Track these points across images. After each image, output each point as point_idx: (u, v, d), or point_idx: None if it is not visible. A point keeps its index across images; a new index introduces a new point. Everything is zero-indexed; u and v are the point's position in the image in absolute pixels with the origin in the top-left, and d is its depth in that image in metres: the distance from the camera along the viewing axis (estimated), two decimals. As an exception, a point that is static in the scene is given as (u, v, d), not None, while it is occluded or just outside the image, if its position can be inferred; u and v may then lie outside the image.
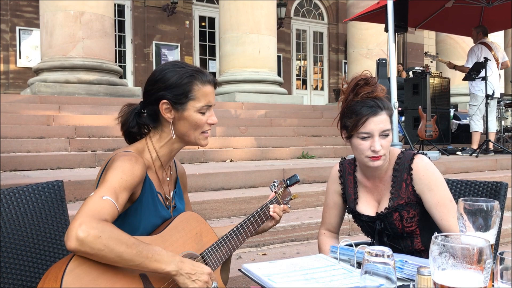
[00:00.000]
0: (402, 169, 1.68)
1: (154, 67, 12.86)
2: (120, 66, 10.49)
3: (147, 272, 1.29)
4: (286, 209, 1.81)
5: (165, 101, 1.47)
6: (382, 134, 1.59)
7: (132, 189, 1.38)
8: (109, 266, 1.23)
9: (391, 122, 1.64)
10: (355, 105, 1.60)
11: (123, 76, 10.28)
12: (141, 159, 1.44)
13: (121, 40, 12.61)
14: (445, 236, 0.89)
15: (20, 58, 11.44)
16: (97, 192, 1.31)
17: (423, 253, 1.69)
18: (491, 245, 1.08)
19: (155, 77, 1.51)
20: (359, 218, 1.78)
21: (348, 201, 1.81)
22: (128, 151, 1.46)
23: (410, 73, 10.81)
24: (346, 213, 1.90)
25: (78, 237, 1.16)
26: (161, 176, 1.55)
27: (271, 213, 1.74)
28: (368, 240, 1.90)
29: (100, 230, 1.19)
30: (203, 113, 1.50)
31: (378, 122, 1.58)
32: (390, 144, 1.65)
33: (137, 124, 1.55)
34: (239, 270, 1.41)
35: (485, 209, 1.10)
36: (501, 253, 0.99)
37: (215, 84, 1.55)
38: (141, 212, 1.45)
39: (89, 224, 1.18)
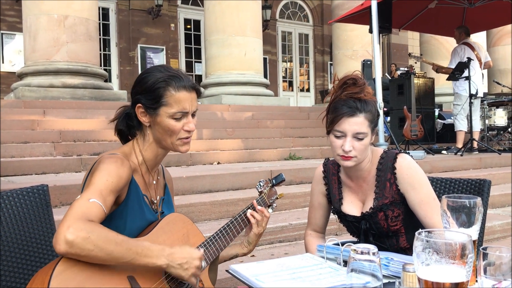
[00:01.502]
0: (386, 169, 1.69)
1: (139, 71, 12.85)
2: (105, 69, 10.42)
3: (138, 267, 1.29)
4: (265, 213, 1.74)
5: (140, 105, 1.48)
6: (355, 136, 1.60)
7: (118, 191, 1.38)
8: (96, 269, 1.22)
9: (373, 127, 1.64)
10: (338, 102, 1.62)
11: (108, 79, 10.20)
12: (127, 161, 1.44)
13: (105, 44, 12.53)
14: (428, 232, 0.91)
15: (3, 62, 11.30)
16: (83, 195, 1.31)
17: (409, 251, 1.71)
18: (474, 241, 1.10)
19: (137, 80, 1.52)
20: (344, 218, 1.79)
21: (333, 201, 1.82)
22: (114, 153, 1.46)
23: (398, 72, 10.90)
24: (332, 213, 1.91)
25: (67, 240, 1.16)
26: (147, 179, 1.55)
27: (248, 215, 1.71)
28: (354, 239, 1.91)
29: (88, 230, 1.19)
30: (177, 119, 1.48)
31: (352, 124, 1.58)
32: (367, 147, 1.64)
33: (126, 125, 1.56)
34: (227, 271, 1.41)
35: (468, 205, 1.12)
36: (484, 248, 1.01)
37: (196, 90, 1.52)
38: (126, 215, 1.45)
39: (77, 226, 1.19)
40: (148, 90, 1.47)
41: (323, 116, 1.70)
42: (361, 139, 1.60)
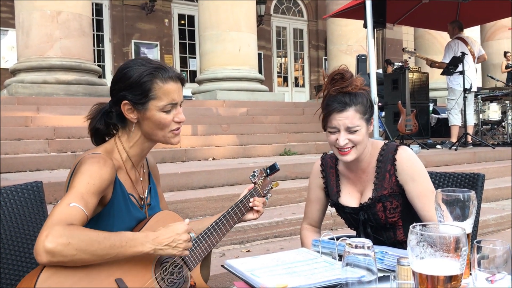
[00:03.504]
0: (386, 160, 1.71)
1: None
2: (99, 65, 10.37)
3: (127, 269, 1.27)
4: (264, 202, 1.79)
5: (126, 101, 1.42)
6: (348, 130, 1.62)
7: (101, 192, 1.35)
8: (83, 274, 1.19)
9: (367, 117, 1.66)
10: (328, 98, 1.64)
11: (102, 75, 10.16)
12: (109, 160, 1.40)
13: (99, 39, 12.46)
14: (423, 225, 0.91)
15: (-4, 59, 11.22)
16: (64, 199, 1.27)
17: (406, 244, 1.72)
18: (468, 234, 1.11)
19: (117, 76, 1.46)
20: (342, 210, 1.81)
21: (331, 194, 1.83)
22: (96, 152, 1.42)
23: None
24: (329, 208, 1.92)
25: (47, 249, 1.12)
26: (133, 176, 1.51)
27: (254, 208, 1.73)
28: (351, 233, 1.92)
29: (67, 236, 1.15)
30: (167, 112, 1.44)
31: (343, 118, 1.61)
32: (364, 137, 1.65)
33: (105, 123, 1.50)
34: (222, 266, 1.42)
35: (462, 199, 1.13)
36: (478, 242, 1.02)
37: (181, 80, 1.48)
38: (113, 215, 1.42)
39: (55, 233, 1.15)
40: (133, 85, 1.41)
41: (319, 114, 1.71)
42: (355, 132, 1.62)
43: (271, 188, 1.88)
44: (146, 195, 1.56)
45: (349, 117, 1.60)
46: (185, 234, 1.34)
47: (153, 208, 1.57)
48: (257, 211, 1.75)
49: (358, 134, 1.63)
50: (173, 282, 1.42)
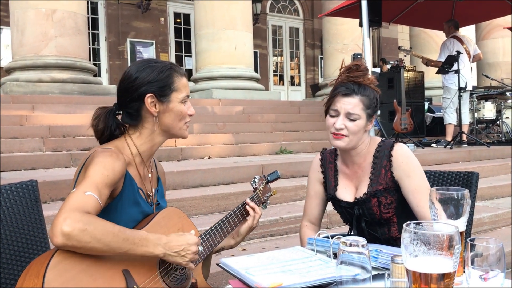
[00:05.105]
0: (382, 156, 1.73)
1: (129, 65, 12.72)
2: (94, 64, 10.33)
3: (134, 261, 1.30)
4: (257, 210, 1.78)
5: (150, 94, 1.49)
6: (348, 117, 1.66)
7: (114, 185, 1.38)
8: (92, 261, 1.22)
9: (369, 113, 1.68)
10: (338, 84, 1.71)
11: (97, 74, 10.12)
12: (121, 155, 1.44)
13: (95, 38, 12.41)
14: (417, 224, 0.92)
15: (-10, 57, 11.16)
16: (79, 187, 1.30)
17: (400, 241, 1.73)
18: (462, 232, 1.12)
19: (132, 76, 1.51)
20: (338, 204, 1.83)
21: (329, 188, 1.85)
22: (108, 148, 1.46)
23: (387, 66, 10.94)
24: (327, 200, 1.93)
25: (64, 232, 1.15)
26: (142, 172, 1.55)
27: (248, 210, 1.75)
28: (346, 231, 1.93)
29: (85, 222, 1.19)
30: (185, 104, 1.54)
31: (346, 103, 1.66)
32: (360, 129, 1.68)
33: (117, 126, 1.55)
34: (218, 264, 1.42)
35: (456, 197, 1.13)
36: (472, 240, 1.02)
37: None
38: (121, 209, 1.45)
39: (73, 217, 1.18)
40: (156, 79, 1.49)
41: (325, 101, 1.75)
42: (354, 120, 1.66)
43: (270, 195, 1.91)
44: (154, 193, 1.60)
45: (352, 103, 1.65)
46: (195, 246, 1.38)
47: (161, 208, 1.60)
48: (253, 217, 1.76)
49: (356, 124, 1.66)
50: (176, 277, 1.45)
